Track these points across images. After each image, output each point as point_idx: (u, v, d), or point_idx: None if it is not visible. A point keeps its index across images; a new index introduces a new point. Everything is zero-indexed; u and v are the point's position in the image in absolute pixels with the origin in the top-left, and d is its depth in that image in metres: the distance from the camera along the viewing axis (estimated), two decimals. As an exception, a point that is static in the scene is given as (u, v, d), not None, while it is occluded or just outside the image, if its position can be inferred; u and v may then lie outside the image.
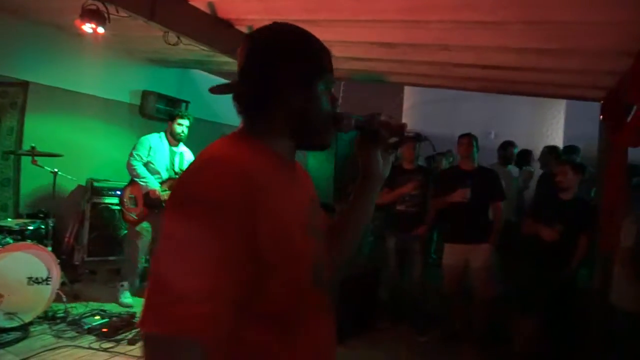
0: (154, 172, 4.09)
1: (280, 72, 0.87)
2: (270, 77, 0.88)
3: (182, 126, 4.14)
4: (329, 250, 1.00)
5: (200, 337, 0.66)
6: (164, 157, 4.15)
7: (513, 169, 4.89)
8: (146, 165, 4.07)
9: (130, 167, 4.04)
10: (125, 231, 4.62)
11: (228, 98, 0.94)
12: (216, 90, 1.07)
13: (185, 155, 4.29)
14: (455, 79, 4.38)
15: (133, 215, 4.06)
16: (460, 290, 3.75)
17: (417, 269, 4.02)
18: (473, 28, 2.86)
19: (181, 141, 4.24)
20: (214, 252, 0.69)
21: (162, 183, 4.09)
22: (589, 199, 3.84)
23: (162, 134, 4.20)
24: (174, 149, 4.22)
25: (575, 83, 3.61)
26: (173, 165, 4.21)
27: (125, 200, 4.09)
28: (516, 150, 5.02)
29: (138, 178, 4.01)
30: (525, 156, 5.13)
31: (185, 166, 4.20)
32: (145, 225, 4.09)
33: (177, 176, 4.16)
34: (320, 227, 0.98)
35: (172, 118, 4.20)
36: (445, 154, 5.75)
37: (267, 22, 0.93)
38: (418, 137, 1.01)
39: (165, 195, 4.02)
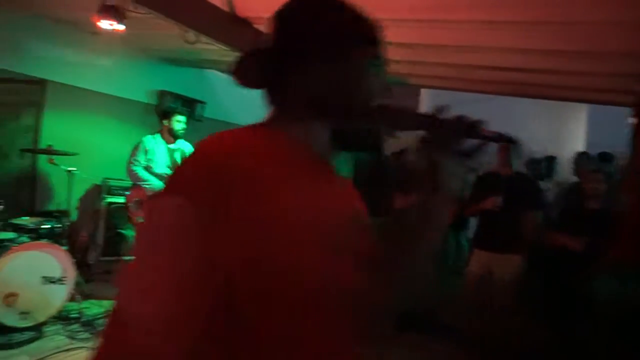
0: (154, 174, 4.07)
1: (305, 36, 0.75)
2: (298, 45, 0.75)
3: (181, 122, 4.13)
4: (374, 280, 0.77)
5: None
6: (162, 157, 4.14)
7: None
8: (147, 169, 4.06)
9: (132, 173, 4.06)
10: (132, 232, 4.60)
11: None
12: (237, 73, 0.79)
13: (187, 151, 4.27)
14: (474, 82, 4.27)
15: (139, 219, 4.03)
16: (480, 299, 3.64)
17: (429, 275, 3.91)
18: (495, 28, 2.75)
19: (180, 137, 4.20)
20: (165, 269, 0.60)
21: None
22: (615, 208, 3.71)
23: (157, 135, 4.17)
24: (172, 146, 4.18)
25: (604, 87, 3.48)
26: (175, 163, 4.18)
27: (130, 205, 4.09)
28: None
29: (141, 182, 4.01)
30: (550, 163, 4.97)
31: None
32: None
33: None
34: (356, 248, 0.76)
35: (167, 116, 4.14)
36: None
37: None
38: (502, 138, 0.73)
39: None
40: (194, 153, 0.67)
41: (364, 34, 0.78)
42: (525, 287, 3.86)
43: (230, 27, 3.25)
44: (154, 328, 0.60)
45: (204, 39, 3.24)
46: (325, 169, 0.79)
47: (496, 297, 3.55)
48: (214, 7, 3.13)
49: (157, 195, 0.66)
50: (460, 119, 0.74)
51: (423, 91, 9.35)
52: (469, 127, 0.74)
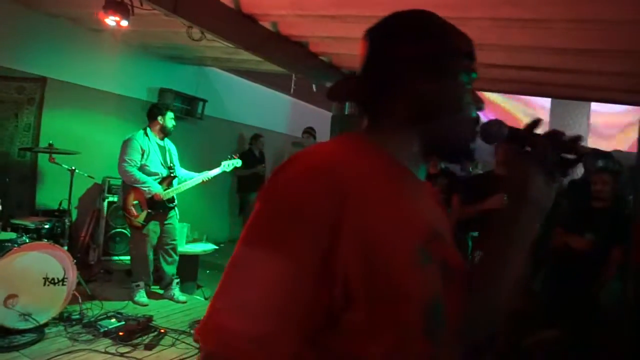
0: (150, 174, 3.94)
1: (400, 54, 0.73)
2: (392, 67, 0.74)
3: (172, 120, 4.07)
4: (461, 301, 0.75)
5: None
6: (156, 155, 4.02)
7: None
8: (141, 168, 3.91)
9: (126, 174, 3.86)
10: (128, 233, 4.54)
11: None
12: (332, 93, 0.81)
13: (172, 148, 4.20)
14: (487, 81, 4.22)
15: (140, 221, 3.92)
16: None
17: None
18: (511, 26, 2.71)
19: (170, 135, 4.15)
20: (278, 265, 0.59)
21: (161, 182, 3.99)
22: (624, 208, 3.67)
23: (148, 130, 4.02)
24: (162, 143, 4.10)
25: (623, 87, 3.43)
26: (166, 160, 4.09)
27: (129, 207, 3.92)
28: None
29: (138, 184, 3.85)
30: None
31: (175, 159, 4.17)
32: (151, 226, 3.98)
33: (171, 172, 4.07)
34: (444, 261, 0.73)
35: (161, 113, 4.02)
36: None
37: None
38: (601, 155, 0.72)
39: (167, 194, 3.95)
40: (303, 162, 0.66)
41: (461, 48, 0.77)
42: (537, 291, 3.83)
43: (236, 24, 3.20)
44: (266, 316, 0.59)
45: (209, 36, 3.18)
46: (414, 179, 0.78)
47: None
48: (220, 4, 3.08)
49: (269, 198, 0.64)
50: (556, 134, 0.72)
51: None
52: (566, 143, 0.72)
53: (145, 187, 3.86)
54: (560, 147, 0.72)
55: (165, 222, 4.08)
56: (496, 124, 0.76)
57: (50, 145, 3.64)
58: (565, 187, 4.50)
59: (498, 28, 2.75)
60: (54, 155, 3.67)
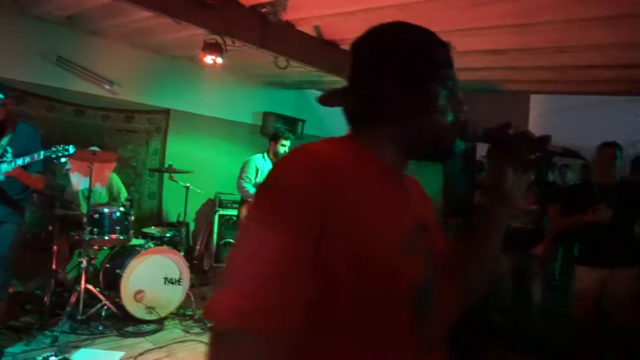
0: None
1: (383, 72, 0.78)
2: (372, 79, 0.79)
3: (285, 147, 4.32)
4: (448, 282, 0.84)
5: (263, 330, 0.61)
6: None
7: None
8: (255, 186, 4.26)
9: (242, 189, 4.28)
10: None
11: (339, 115, 0.88)
12: (323, 100, 0.93)
13: None
14: (580, 83, 3.98)
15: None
16: (591, 319, 3.32)
17: (537, 293, 3.69)
18: (591, 25, 2.60)
19: None
20: (279, 243, 0.63)
21: None
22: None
23: (265, 154, 4.40)
24: None
25: None
26: None
27: (242, 219, 4.35)
28: None
29: (252, 198, 4.22)
30: None
31: None
32: None
33: None
34: (429, 249, 0.81)
35: (275, 138, 4.35)
36: (568, 165, 5.21)
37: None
38: (568, 153, 0.80)
39: None
40: (297, 152, 0.71)
41: (437, 58, 0.80)
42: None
43: (318, 50, 3.51)
44: (273, 289, 0.62)
45: (293, 63, 3.54)
46: (397, 177, 0.85)
47: (611, 317, 3.22)
48: (303, 34, 3.42)
49: (267, 183, 0.69)
50: (526, 134, 0.80)
51: (533, 97, 8.82)
52: (534, 142, 0.80)
53: None
54: (531, 146, 0.80)
55: None
56: (471, 124, 0.82)
57: (170, 166, 4.30)
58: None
59: (576, 28, 2.66)
60: (173, 175, 4.32)
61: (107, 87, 4.68)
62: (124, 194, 4.33)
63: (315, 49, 3.49)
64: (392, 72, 0.78)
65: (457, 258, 0.89)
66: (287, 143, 4.36)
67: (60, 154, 2.70)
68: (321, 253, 0.64)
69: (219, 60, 3.31)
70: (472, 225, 0.89)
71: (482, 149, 5.49)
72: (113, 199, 4.29)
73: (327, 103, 0.92)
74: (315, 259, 0.64)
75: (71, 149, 2.72)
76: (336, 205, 0.65)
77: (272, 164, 4.31)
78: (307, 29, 3.40)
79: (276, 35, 3.21)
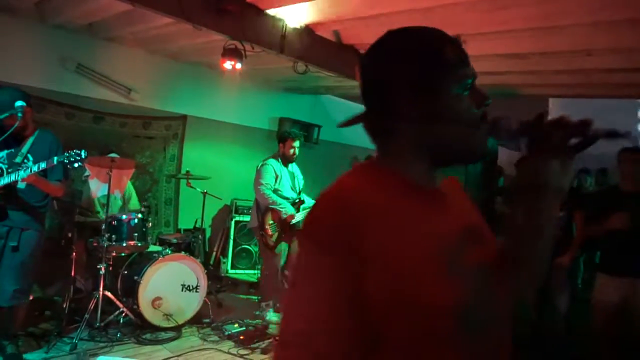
0: (282, 197, 4.14)
1: (391, 84, 0.75)
2: (383, 93, 0.77)
3: (295, 148, 4.20)
4: (501, 285, 0.79)
5: None
6: (287, 180, 4.24)
7: None
8: (275, 192, 4.13)
9: (263, 197, 4.06)
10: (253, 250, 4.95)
11: None
12: (345, 124, 0.90)
13: (299, 174, 4.38)
14: (604, 87, 3.88)
15: (274, 240, 4.12)
16: (615, 331, 3.21)
17: (562, 303, 3.57)
18: (618, 28, 2.52)
19: (294, 161, 4.29)
20: (317, 294, 0.66)
21: (293, 205, 4.19)
22: None
23: (279, 159, 4.23)
24: (289, 169, 4.30)
25: None
26: (295, 185, 4.30)
27: (267, 227, 4.13)
28: None
29: (275, 205, 4.04)
30: None
31: (301, 184, 4.35)
32: (283, 246, 4.20)
33: (301, 196, 4.29)
34: (479, 258, 0.77)
35: (283, 140, 4.20)
36: (589, 171, 5.10)
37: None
38: (613, 134, 0.70)
39: (298, 217, 4.11)
40: (322, 200, 0.72)
41: (450, 59, 0.76)
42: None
43: (337, 55, 3.48)
44: (311, 340, 0.65)
45: (312, 68, 3.51)
46: (430, 194, 0.80)
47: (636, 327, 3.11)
48: (322, 39, 3.39)
49: (303, 235, 0.71)
50: (563, 120, 0.73)
51: (551, 101, 8.68)
52: (575, 127, 0.73)
53: (281, 208, 4.04)
54: (572, 131, 0.73)
55: (291, 244, 4.25)
56: (505, 120, 0.76)
57: (187, 172, 4.30)
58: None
59: (602, 32, 2.58)
60: (190, 180, 4.31)
61: (125, 93, 4.70)
62: (134, 199, 4.29)
63: (335, 53, 3.46)
64: (401, 82, 0.75)
65: (513, 261, 0.80)
66: (297, 144, 4.22)
67: (73, 159, 2.70)
68: (361, 295, 0.65)
69: (239, 65, 3.30)
70: (517, 229, 0.81)
71: (502, 154, 5.39)
72: (124, 204, 4.28)
73: (347, 124, 0.90)
74: (356, 301, 0.65)
75: (83, 153, 2.72)
76: (365, 247, 0.65)
77: (283, 164, 4.29)
78: (327, 34, 3.37)
79: (295, 40, 3.19)
